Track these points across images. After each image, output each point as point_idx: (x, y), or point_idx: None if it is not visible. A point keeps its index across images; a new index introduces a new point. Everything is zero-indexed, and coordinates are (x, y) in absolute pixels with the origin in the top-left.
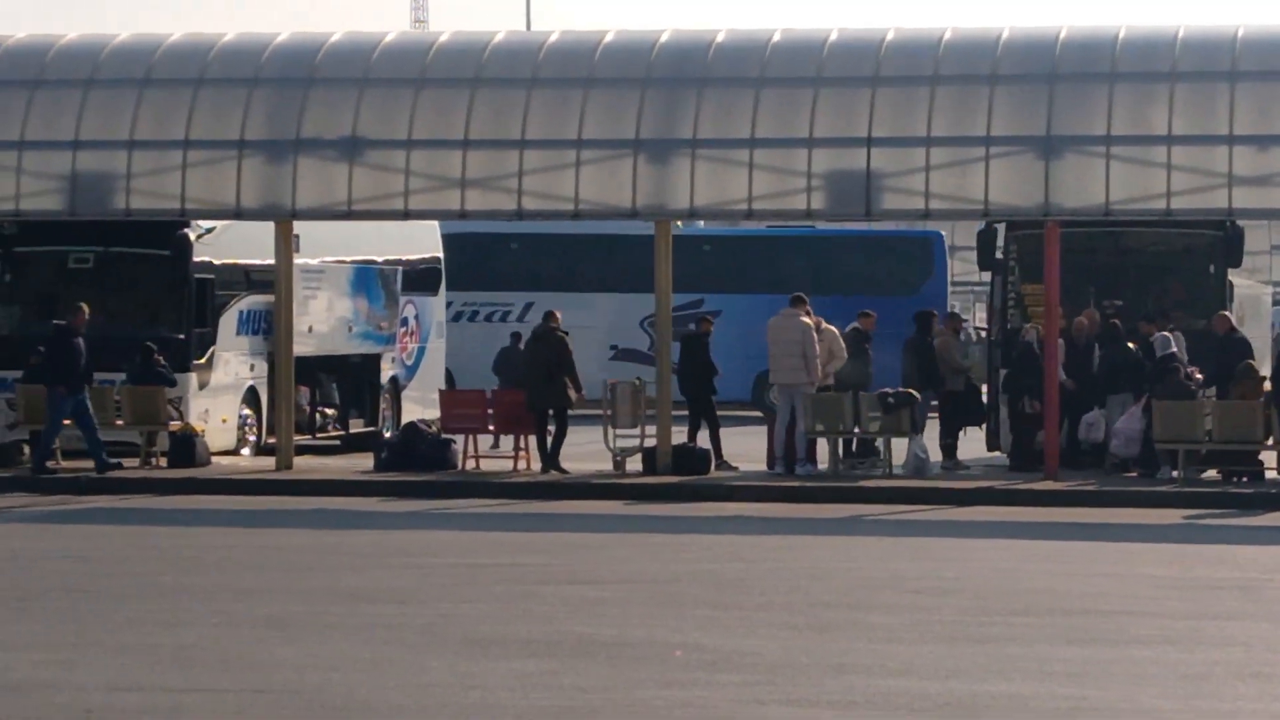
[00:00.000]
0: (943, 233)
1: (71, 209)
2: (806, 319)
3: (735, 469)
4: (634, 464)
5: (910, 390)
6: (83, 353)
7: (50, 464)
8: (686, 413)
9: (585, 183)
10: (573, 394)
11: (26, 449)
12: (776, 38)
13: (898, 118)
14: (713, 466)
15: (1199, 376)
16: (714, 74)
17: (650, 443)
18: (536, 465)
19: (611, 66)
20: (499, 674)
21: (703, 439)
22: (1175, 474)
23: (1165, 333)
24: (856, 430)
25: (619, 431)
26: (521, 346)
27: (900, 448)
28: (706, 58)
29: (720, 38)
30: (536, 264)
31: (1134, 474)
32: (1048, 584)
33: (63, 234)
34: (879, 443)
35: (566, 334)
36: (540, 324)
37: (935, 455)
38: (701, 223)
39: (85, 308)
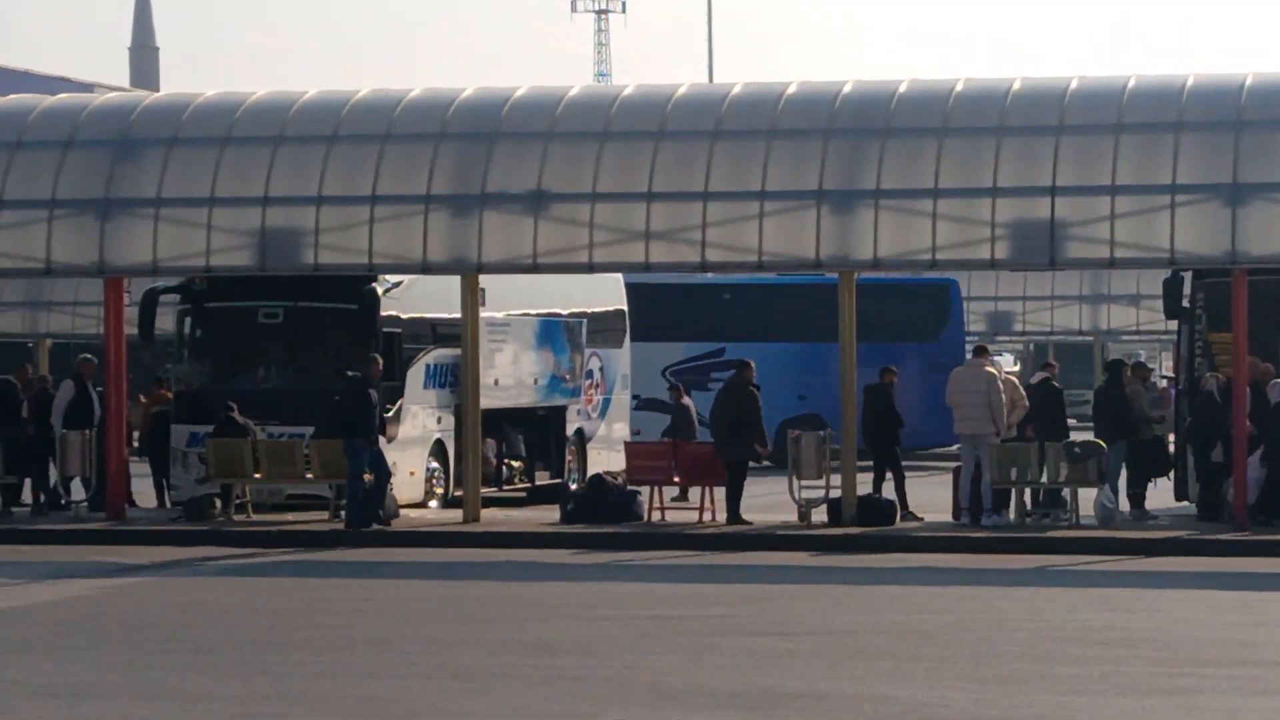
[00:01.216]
0: (957, 280)
1: (261, 264)
2: (991, 369)
3: (920, 519)
4: (819, 515)
5: (1098, 440)
6: (376, 404)
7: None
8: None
9: (769, 234)
10: (758, 448)
11: (218, 502)
12: (959, 87)
13: (1082, 166)
14: (898, 517)
15: None
16: (897, 124)
17: (835, 494)
18: (722, 517)
19: (794, 117)
20: None
21: (888, 490)
22: None
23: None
24: (1043, 481)
25: (803, 483)
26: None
27: (1087, 498)
28: (889, 108)
29: (903, 88)
30: None
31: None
32: (1237, 635)
33: (252, 289)
34: (1065, 493)
35: (758, 388)
36: (733, 375)
37: (1123, 505)
38: (710, 274)
39: (379, 360)
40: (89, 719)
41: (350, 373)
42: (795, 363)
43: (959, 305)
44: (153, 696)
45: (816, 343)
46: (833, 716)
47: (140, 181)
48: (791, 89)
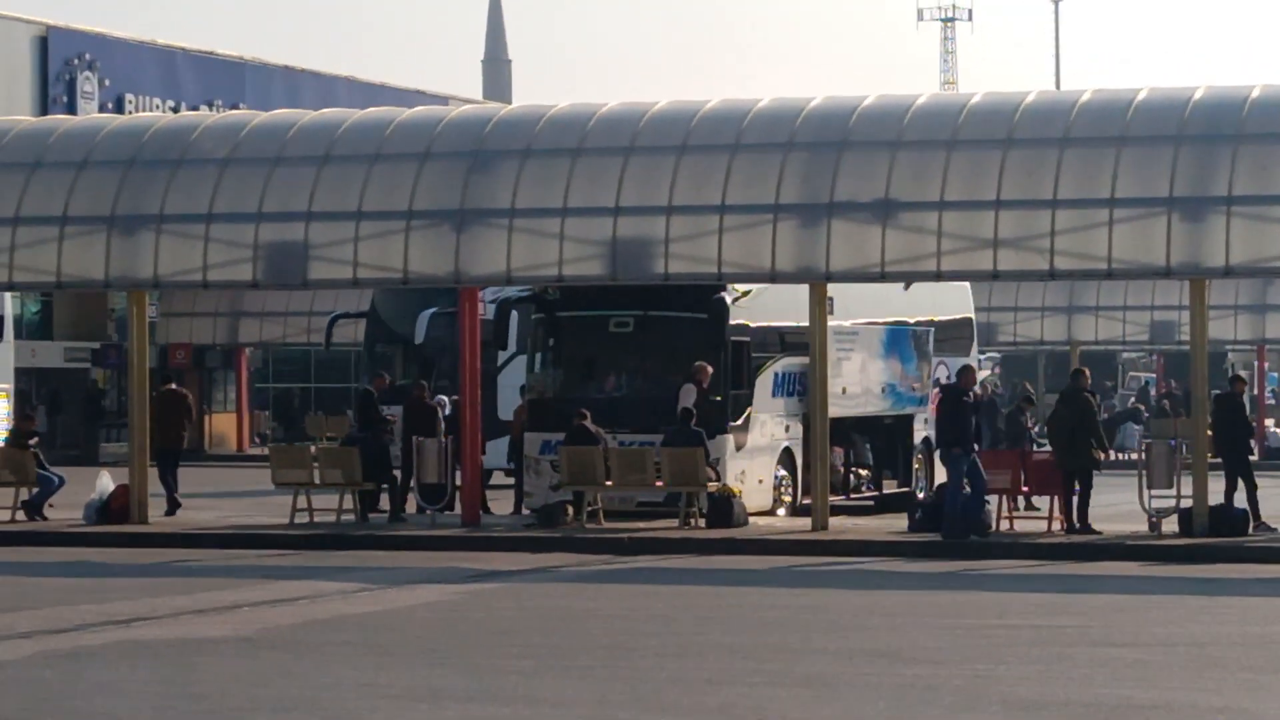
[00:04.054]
0: None
1: (612, 274)
2: None
3: (1274, 530)
4: (1169, 525)
5: None
6: (974, 413)
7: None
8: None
9: (1118, 241)
10: (1098, 454)
11: (570, 509)
12: None
13: None
14: (1251, 528)
15: None
16: (1250, 130)
17: (1186, 503)
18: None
19: (1143, 124)
20: None
21: (1240, 499)
22: None
23: None
24: None
25: (1154, 492)
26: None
27: None
28: (1241, 114)
29: (1255, 93)
30: None
31: None
32: None
33: (603, 298)
34: None
35: (1094, 395)
36: (1069, 383)
37: None
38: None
39: (707, 368)
40: None
41: (945, 382)
42: None
43: None
44: (509, 700)
45: None
46: None
47: (495, 192)
48: (1141, 95)
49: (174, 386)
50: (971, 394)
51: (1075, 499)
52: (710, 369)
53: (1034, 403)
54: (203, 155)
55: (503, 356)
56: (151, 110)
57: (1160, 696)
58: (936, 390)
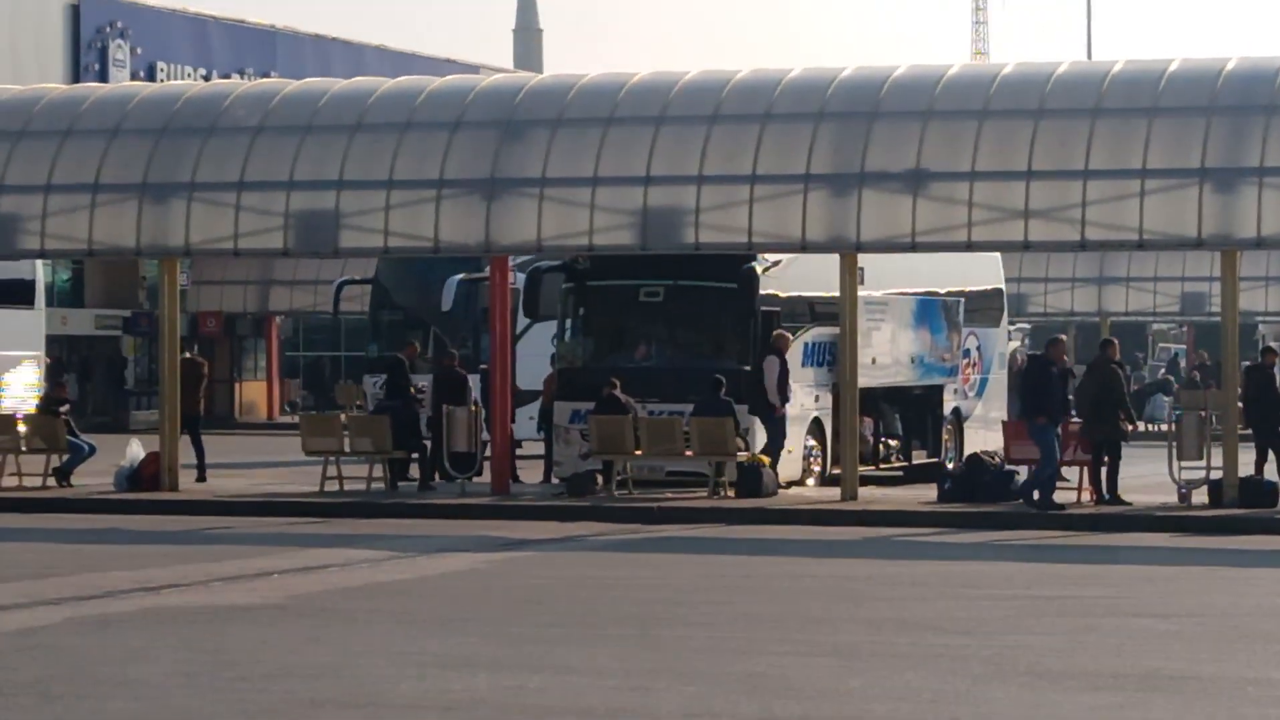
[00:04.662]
0: None
1: (643, 243)
2: None
3: None
4: (1199, 496)
5: None
6: (1061, 383)
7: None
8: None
9: (1149, 211)
10: (1126, 425)
11: (600, 478)
12: None
13: None
14: None
15: None
16: None
17: (1215, 475)
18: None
19: (1176, 95)
20: (1065, 707)
21: (1270, 471)
22: None
23: None
24: None
25: (1183, 464)
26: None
27: None
28: (1275, 84)
29: None
30: None
31: None
32: None
33: (633, 268)
34: None
35: (1122, 366)
36: (1097, 354)
37: None
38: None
39: (788, 336)
40: (483, 690)
41: (1033, 354)
42: None
43: None
44: (539, 669)
45: None
46: (1215, 700)
47: (526, 162)
48: (1173, 66)
49: (190, 354)
50: (1058, 366)
51: (1104, 470)
52: (790, 338)
53: (1074, 374)
54: (234, 123)
55: (521, 324)
56: (183, 79)
57: (1189, 668)
58: (1021, 360)
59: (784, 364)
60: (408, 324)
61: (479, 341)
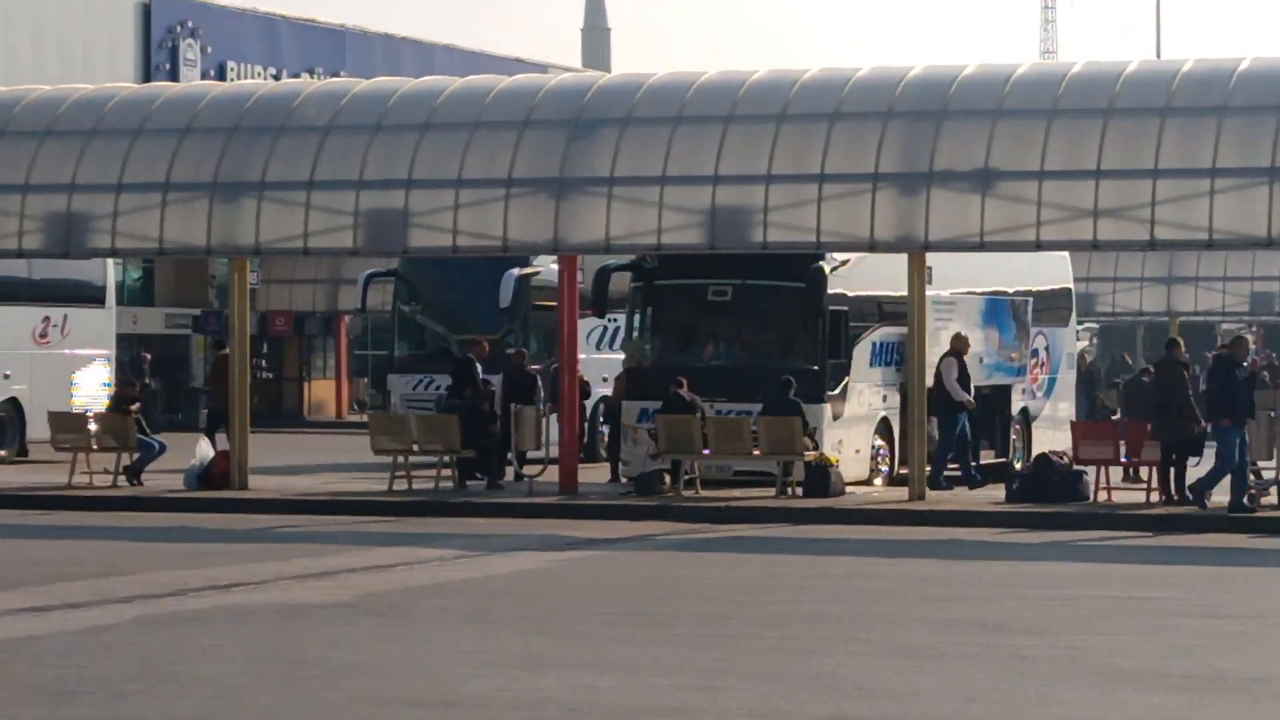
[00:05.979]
0: None
1: (711, 243)
2: None
3: None
4: (1269, 497)
5: None
6: (1247, 386)
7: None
8: None
9: (1219, 211)
10: (1193, 425)
11: (667, 478)
12: None
13: None
14: None
15: None
16: None
17: None
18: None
19: (1246, 94)
20: (1135, 707)
21: None
22: None
23: None
24: None
25: (1253, 464)
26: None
27: None
28: None
29: None
30: None
31: None
32: None
33: (701, 267)
34: None
35: (1187, 366)
36: (1163, 354)
37: None
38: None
39: (1249, 339)
40: (552, 689)
41: (1218, 353)
42: None
43: None
44: (608, 668)
45: None
46: None
47: (594, 161)
48: (1243, 65)
49: (228, 352)
50: (1243, 366)
51: (1173, 470)
52: (967, 339)
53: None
54: (304, 123)
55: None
56: (253, 78)
57: (1259, 669)
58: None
59: (962, 364)
60: (428, 317)
61: (527, 338)
